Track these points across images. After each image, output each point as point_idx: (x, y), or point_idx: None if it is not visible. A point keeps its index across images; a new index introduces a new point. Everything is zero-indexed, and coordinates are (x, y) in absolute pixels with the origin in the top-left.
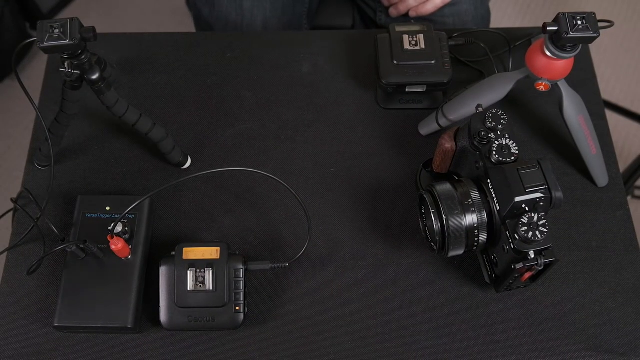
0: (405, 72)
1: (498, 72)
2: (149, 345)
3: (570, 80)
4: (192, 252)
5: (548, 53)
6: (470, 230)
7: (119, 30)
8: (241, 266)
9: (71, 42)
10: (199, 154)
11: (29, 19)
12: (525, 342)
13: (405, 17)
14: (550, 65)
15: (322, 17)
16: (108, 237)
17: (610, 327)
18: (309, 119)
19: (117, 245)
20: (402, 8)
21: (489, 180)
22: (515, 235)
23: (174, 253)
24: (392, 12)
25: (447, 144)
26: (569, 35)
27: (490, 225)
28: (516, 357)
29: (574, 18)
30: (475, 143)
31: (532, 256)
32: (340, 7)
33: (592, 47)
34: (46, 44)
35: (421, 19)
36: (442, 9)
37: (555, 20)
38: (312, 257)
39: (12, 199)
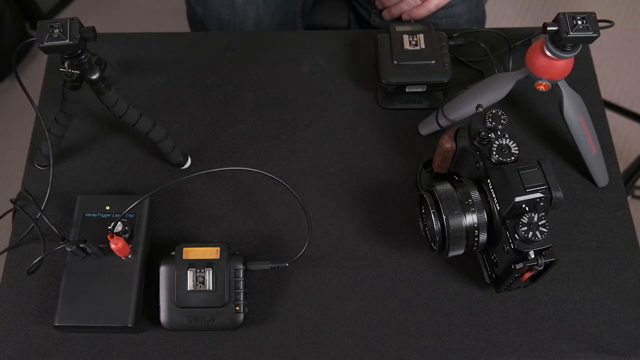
0: (405, 72)
1: (498, 72)
2: (149, 345)
3: (570, 80)
4: (192, 252)
5: (548, 53)
6: (470, 230)
7: (119, 30)
8: (241, 266)
9: (71, 42)
10: (199, 154)
11: (29, 19)
12: (525, 342)
13: (398, 20)
14: (550, 65)
15: (317, 16)
16: (108, 237)
17: (610, 327)
18: (309, 119)
19: (117, 244)
20: (395, 11)
21: (489, 180)
22: (515, 235)
23: (174, 253)
24: (386, 15)
25: (447, 144)
26: (569, 35)
27: (490, 225)
28: (516, 357)
29: (574, 18)
30: (475, 143)
31: (532, 256)
32: (335, 7)
33: (592, 47)
34: (46, 44)
35: (419, 20)
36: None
37: (555, 20)
38: (312, 257)
39: (11, 200)
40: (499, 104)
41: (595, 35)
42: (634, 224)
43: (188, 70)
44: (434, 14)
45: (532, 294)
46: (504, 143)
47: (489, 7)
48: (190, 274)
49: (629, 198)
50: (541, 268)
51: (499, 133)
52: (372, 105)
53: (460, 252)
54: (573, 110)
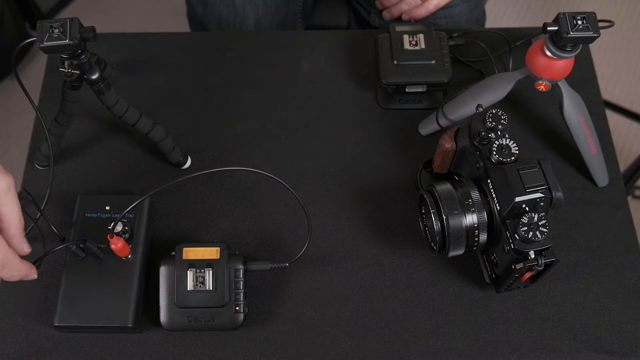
0: (405, 72)
1: (498, 72)
2: (149, 345)
3: (570, 80)
4: (192, 252)
5: (548, 53)
6: (470, 230)
7: (119, 30)
8: (241, 266)
9: (71, 42)
10: (199, 154)
11: (29, 19)
12: (525, 342)
13: (398, 20)
14: (550, 65)
15: (317, 16)
16: (108, 237)
17: (610, 327)
18: (309, 119)
19: (117, 244)
20: (395, 11)
21: (489, 180)
22: (516, 235)
23: (174, 253)
24: (386, 15)
25: (447, 144)
26: (569, 35)
27: (490, 225)
28: (516, 357)
29: (574, 18)
30: (475, 143)
31: (532, 256)
32: (335, 7)
33: (592, 47)
34: (46, 44)
35: (419, 20)
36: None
37: (556, 20)
38: (312, 257)
39: None
40: (499, 104)
41: (595, 35)
42: (634, 224)
43: (188, 70)
44: (434, 14)
45: (532, 294)
46: (504, 143)
47: (489, 7)
48: (190, 274)
49: (629, 198)
50: (541, 268)
51: (499, 133)
52: (372, 105)
53: (460, 252)
54: (573, 110)
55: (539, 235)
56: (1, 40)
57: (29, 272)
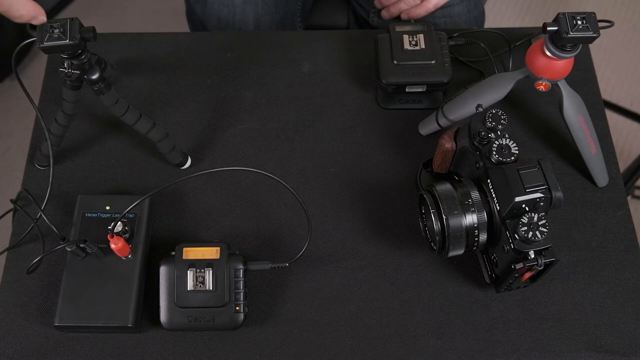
0: (405, 72)
1: (498, 72)
2: (149, 345)
3: (570, 80)
4: (192, 252)
5: (548, 53)
6: (470, 230)
7: (119, 30)
8: (241, 266)
9: (71, 42)
10: (199, 154)
11: None
12: (525, 342)
13: (397, 20)
14: (550, 65)
15: (316, 16)
16: (108, 237)
17: (610, 327)
18: (309, 119)
19: (117, 244)
20: (394, 11)
21: (489, 180)
22: (515, 235)
23: (174, 253)
24: (384, 14)
25: (447, 144)
26: (569, 35)
27: (490, 225)
28: (516, 357)
29: (574, 18)
30: (475, 143)
31: (532, 256)
32: (334, 7)
33: (592, 47)
34: (46, 44)
35: (418, 20)
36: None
37: (555, 20)
38: (312, 257)
39: (11, 200)
40: (499, 104)
41: (595, 35)
42: (634, 224)
43: (188, 70)
44: (433, 14)
45: (532, 294)
46: (504, 143)
47: (488, 7)
48: (190, 274)
49: (629, 198)
50: (541, 268)
51: (499, 133)
52: (372, 105)
53: (460, 252)
54: (573, 111)
55: (539, 235)
56: (1, 40)
57: (36, 12)
